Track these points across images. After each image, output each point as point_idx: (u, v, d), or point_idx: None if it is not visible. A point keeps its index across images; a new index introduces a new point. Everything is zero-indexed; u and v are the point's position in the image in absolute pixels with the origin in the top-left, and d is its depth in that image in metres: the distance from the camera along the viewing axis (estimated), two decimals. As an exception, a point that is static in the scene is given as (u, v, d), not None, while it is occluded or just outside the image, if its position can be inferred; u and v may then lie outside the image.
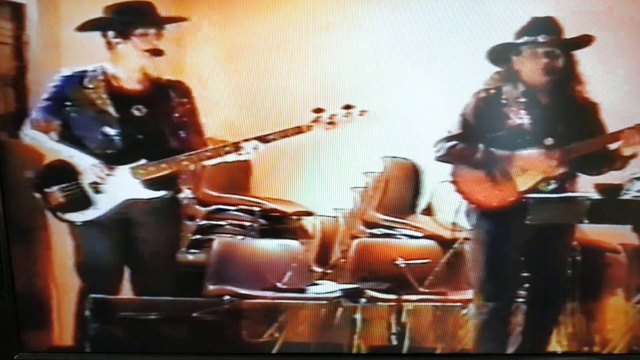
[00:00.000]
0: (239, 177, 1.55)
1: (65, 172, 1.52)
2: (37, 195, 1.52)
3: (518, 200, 1.51)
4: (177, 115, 1.51)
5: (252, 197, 1.56)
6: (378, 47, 1.45)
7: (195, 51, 1.47)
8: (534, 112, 1.48)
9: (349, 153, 1.51)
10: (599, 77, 1.43)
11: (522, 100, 1.47)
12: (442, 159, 1.50)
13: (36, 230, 1.54)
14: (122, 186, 1.52)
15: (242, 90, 1.48)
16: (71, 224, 1.54)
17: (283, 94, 1.47)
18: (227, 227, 1.59)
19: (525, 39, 1.43)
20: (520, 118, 1.48)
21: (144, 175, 1.52)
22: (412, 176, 1.54)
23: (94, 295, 1.57)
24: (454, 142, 1.49)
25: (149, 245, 1.58)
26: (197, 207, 1.58)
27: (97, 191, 1.52)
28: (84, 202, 1.53)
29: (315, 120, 1.47)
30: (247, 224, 1.58)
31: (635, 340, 1.56)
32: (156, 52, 1.47)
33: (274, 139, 1.48)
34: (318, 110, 1.47)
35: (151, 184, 1.52)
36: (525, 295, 1.56)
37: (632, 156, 1.46)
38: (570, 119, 1.48)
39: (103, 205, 1.53)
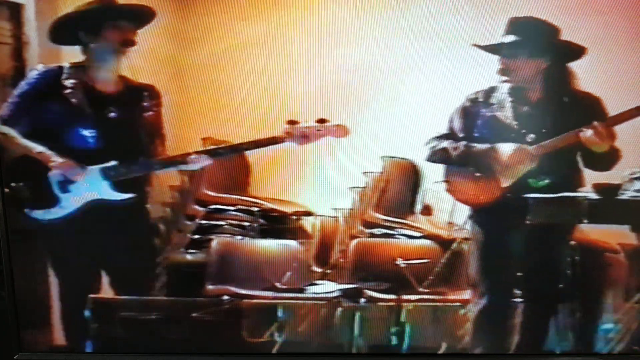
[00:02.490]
0: (238, 177, 1.55)
1: (33, 169, 1.51)
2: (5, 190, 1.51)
3: (504, 197, 1.51)
4: (146, 119, 1.51)
5: (252, 197, 1.56)
6: (377, 47, 1.45)
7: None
8: (519, 109, 1.49)
9: (348, 153, 1.51)
10: (589, 73, 1.44)
11: (510, 99, 1.48)
12: (429, 159, 1.51)
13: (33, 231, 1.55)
14: (90, 186, 1.52)
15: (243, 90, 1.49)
16: (36, 221, 1.53)
17: (282, 97, 1.48)
18: (227, 227, 1.59)
19: (511, 38, 1.43)
20: (506, 116, 1.49)
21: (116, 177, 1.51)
22: (412, 176, 1.54)
23: (93, 296, 1.57)
24: (439, 142, 1.50)
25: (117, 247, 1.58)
26: (196, 206, 1.59)
27: (64, 190, 1.52)
28: (49, 200, 1.52)
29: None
30: (247, 223, 1.58)
31: (635, 340, 1.56)
32: (128, 43, 1.46)
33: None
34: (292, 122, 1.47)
35: (120, 185, 1.52)
36: (522, 294, 1.56)
37: (614, 153, 1.45)
38: (562, 114, 1.48)
39: (69, 204, 1.53)
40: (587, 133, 1.44)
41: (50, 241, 1.57)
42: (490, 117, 1.50)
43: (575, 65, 1.44)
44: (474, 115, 1.50)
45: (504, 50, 1.44)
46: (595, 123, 1.43)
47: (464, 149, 1.50)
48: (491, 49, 1.44)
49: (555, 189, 1.50)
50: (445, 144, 1.51)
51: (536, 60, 1.47)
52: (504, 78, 1.48)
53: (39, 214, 1.53)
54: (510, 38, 1.43)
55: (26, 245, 1.55)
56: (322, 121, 1.47)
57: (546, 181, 1.49)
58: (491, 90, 1.49)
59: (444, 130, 1.50)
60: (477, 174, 1.51)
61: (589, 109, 1.45)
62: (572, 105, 1.47)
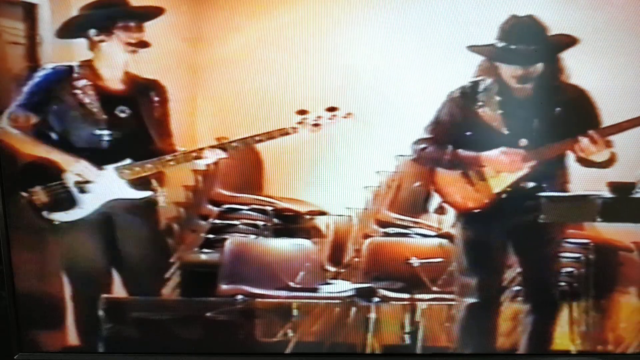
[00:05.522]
0: (252, 176, 1.55)
1: (49, 171, 1.50)
2: (22, 193, 1.51)
3: (494, 202, 1.50)
4: (154, 115, 1.51)
5: (265, 196, 1.56)
6: (380, 46, 1.44)
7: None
8: (509, 111, 1.46)
9: (362, 152, 1.51)
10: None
11: (498, 99, 1.46)
12: (415, 161, 1.51)
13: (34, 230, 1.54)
14: (107, 186, 1.51)
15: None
16: (55, 223, 1.53)
17: (294, 94, 1.48)
18: (241, 226, 1.59)
19: (504, 40, 1.40)
20: (495, 119, 1.46)
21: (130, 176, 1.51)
22: (425, 175, 1.54)
23: (106, 296, 1.57)
24: (424, 145, 1.49)
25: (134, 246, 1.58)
26: (210, 206, 1.59)
27: (82, 191, 1.51)
28: (68, 202, 1.52)
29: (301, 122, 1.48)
30: (261, 223, 1.58)
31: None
32: (142, 44, 1.46)
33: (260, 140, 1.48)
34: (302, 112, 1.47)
35: (136, 184, 1.52)
36: (519, 293, 1.56)
37: (610, 159, 1.45)
38: (555, 113, 1.45)
39: (88, 205, 1.52)
40: (583, 143, 1.42)
41: (66, 242, 1.56)
42: (479, 119, 1.47)
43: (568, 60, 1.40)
44: (461, 116, 1.46)
45: (496, 50, 1.41)
46: (591, 132, 1.41)
47: (453, 153, 1.49)
48: (484, 50, 1.42)
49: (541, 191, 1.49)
50: (430, 147, 1.48)
51: (529, 59, 1.42)
52: (494, 78, 1.45)
53: (59, 216, 1.53)
54: (503, 38, 1.40)
55: (40, 245, 1.55)
56: (332, 109, 1.46)
57: (532, 185, 1.49)
58: (478, 90, 1.46)
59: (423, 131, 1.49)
60: (467, 179, 1.50)
61: (583, 110, 1.42)
62: (566, 106, 1.44)
